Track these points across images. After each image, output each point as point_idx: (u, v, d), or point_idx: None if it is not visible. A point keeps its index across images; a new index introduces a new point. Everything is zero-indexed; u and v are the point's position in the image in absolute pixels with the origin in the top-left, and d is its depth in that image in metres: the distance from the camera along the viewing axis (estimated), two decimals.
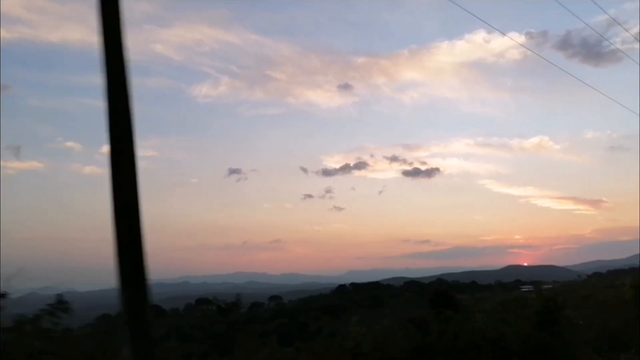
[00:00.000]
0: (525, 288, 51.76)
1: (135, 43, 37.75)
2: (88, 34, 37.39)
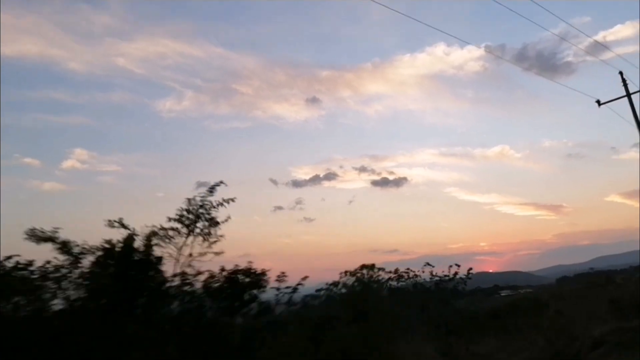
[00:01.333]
0: (504, 293, 52.72)
1: (97, 57, 36.67)
2: (45, 47, 36.07)
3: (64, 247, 8.30)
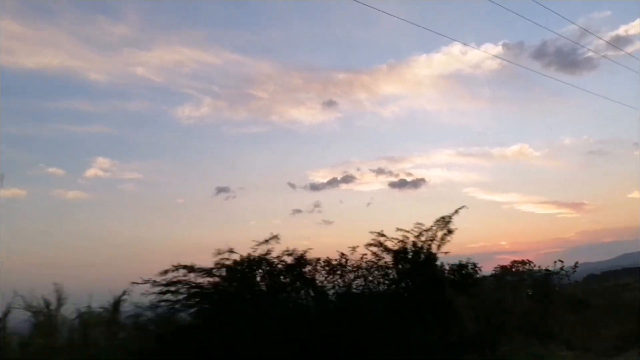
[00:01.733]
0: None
1: (116, 66, 37.68)
2: (65, 59, 37.36)
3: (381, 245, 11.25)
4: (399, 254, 11.30)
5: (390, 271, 11.28)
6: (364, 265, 11.03)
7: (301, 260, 10.28)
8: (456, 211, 11.82)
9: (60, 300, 8.21)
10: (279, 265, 10.07)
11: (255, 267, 9.86)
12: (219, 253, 9.54)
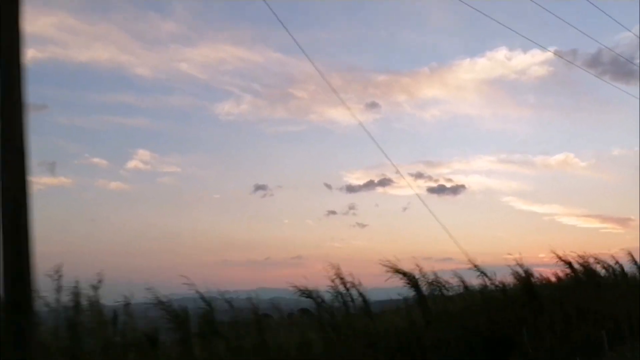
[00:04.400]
0: None
1: (162, 62, 38.87)
2: (116, 54, 38.66)
3: None
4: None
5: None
6: None
7: None
8: None
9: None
10: None
11: None
12: None
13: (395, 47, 44.55)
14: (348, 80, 42.04)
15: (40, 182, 32.14)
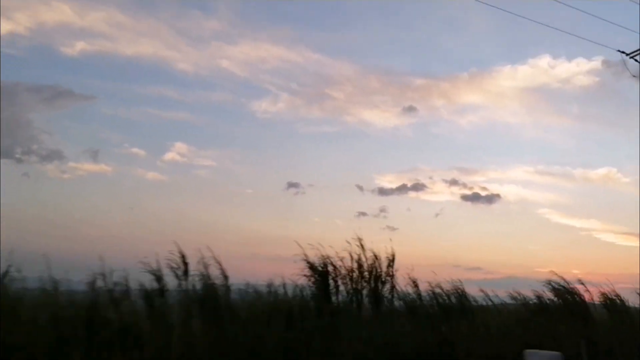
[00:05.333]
0: None
1: (203, 58, 39.19)
2: (160, 49, 39.88)
3: None
4: None
5: None
6: None
7: None
8: None
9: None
10: None
11: None
12: None
13: (434, 51, 43.57)
14: (385, 83, 41.56)
15: (83, 168, 33.39)
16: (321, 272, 9.51)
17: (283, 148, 41.19)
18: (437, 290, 10.67)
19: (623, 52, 19.69)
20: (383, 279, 9.89)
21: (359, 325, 9.11)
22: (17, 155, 31.34)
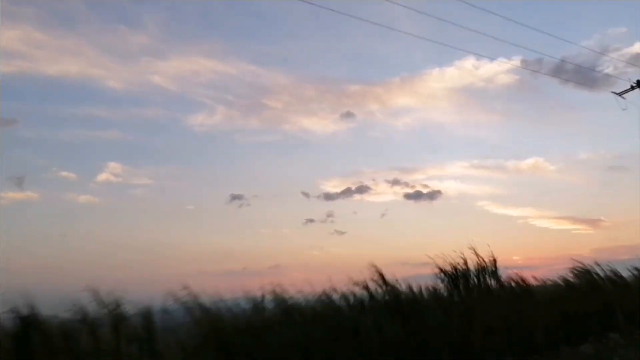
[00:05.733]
0: None
1: (133, 75, 37.96)
2: (85, 67, 38.28)
3: None
4: None
5: None
6: None
7: None
8: None
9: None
10: None
11: None
12: None
13: (367, 58, 44.68)
14: (322, 91, 42.11)
15: (7, 197, 31.48)
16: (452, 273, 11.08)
17: (223, 160, 40.77)
18: None
19: (614, 92, 21.20)
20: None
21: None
22: None
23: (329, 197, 34.43)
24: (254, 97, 41.91)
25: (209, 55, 40.21)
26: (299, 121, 42.00)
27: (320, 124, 40.86)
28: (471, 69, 38.74)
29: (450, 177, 40.26)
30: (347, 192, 35.23)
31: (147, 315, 7.86)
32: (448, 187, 38.55)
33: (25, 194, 31.32)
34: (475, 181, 41.99)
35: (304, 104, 42.20)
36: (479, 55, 40.64)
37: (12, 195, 31.43)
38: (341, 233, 30.17)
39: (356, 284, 10.30)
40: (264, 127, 40.69)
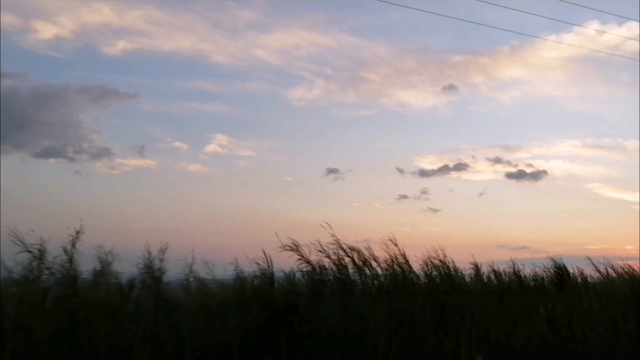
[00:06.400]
0: None
1: (239, 49, 39.65)
2: (196, 42, 40.84)
3: None
4: None
5: None
6: None
7: None
8: None
9: None
10: None
11: None
12: None
13: (473, 25, 42.29)
14: (422, 62, 40.79)
15: (129, 164, 34.84)
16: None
17: (320, 134, 41.33)
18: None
19: None
20: None
21: None
22: (69, 155, 32.91)
23: (424, 173, 33.70)
24: (352, 70, 41.77)
25: (310, 27, 40.63)
26: (397, 94, 41.21)
27: (419, 97, 39.75)
28: (594, 35, 35.00)
29: (559, 157, 37.24)
30: (443, 169, 34.22)
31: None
32: (555, 167, 35.78)
33: (144, 161, 34.40)
34: (587, 162, 38.51)
35: (403, 76, 41.30)
36: (603, 19, 36.37)
37: (134, 162, 34.71)
38: (435, 211, 29.53)
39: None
40: (362, 100, 40.46)
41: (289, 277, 8.09)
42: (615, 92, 39.17)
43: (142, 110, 37.49)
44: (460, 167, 34.17)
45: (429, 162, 38.82)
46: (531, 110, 40.78)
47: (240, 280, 7.63)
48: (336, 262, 8.24)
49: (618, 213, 32.43)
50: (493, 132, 41.77)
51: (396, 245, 8.78)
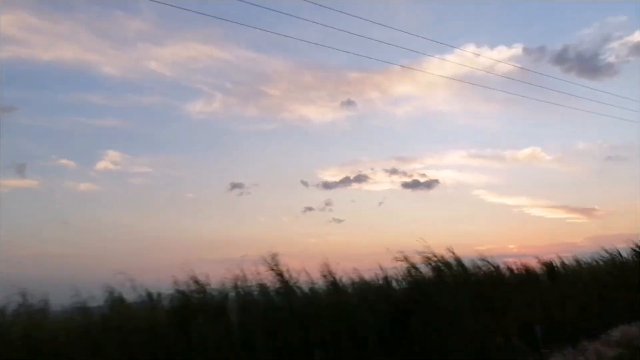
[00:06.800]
0: None
1: (130, 61, 37.45)
2: (81, 53, 38.03)
3: None
4: None
5: None
6: None
7: None
8: None
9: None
10: None
11: None
12: None
13: (366, 45, 44.26)
14: (321, 78, 41.87)
15: (8, 184, 31.49)
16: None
17: (222, 149, 40.59)
18: None
19: None
20: None
21: None
22: None
23: (327, 185, 34.50)
24: (252, 84, 41.60)
25: (206, 41, 39.83)
26: (298, 109, 41.82)
27: (319, 112, 40.66)
28: (471, 57, 38.80)
29: (448, 167, 40.33)
30: (345, 181, 35.32)
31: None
32: (445, 176, 38.62)
33: (25, 181, 31.17)
34: (472, 170, 42.07)
35: (302, 92, 42.03)
36: (479, 43, 40.12)
37: (13, 182, 31.32)
38: (339, 221, 30.37)
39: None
40: (263, 115, 40.35)
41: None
42: (492, 107, 43.34)
43: (20, 125, 34.21)
44: (360, 178, 35.59)
45: (331, 175, 39.97)
46: (423, 124, 43.67)
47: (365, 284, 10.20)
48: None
49: (500, 216, 35.98)
50: (389, 145, 43.97)
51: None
